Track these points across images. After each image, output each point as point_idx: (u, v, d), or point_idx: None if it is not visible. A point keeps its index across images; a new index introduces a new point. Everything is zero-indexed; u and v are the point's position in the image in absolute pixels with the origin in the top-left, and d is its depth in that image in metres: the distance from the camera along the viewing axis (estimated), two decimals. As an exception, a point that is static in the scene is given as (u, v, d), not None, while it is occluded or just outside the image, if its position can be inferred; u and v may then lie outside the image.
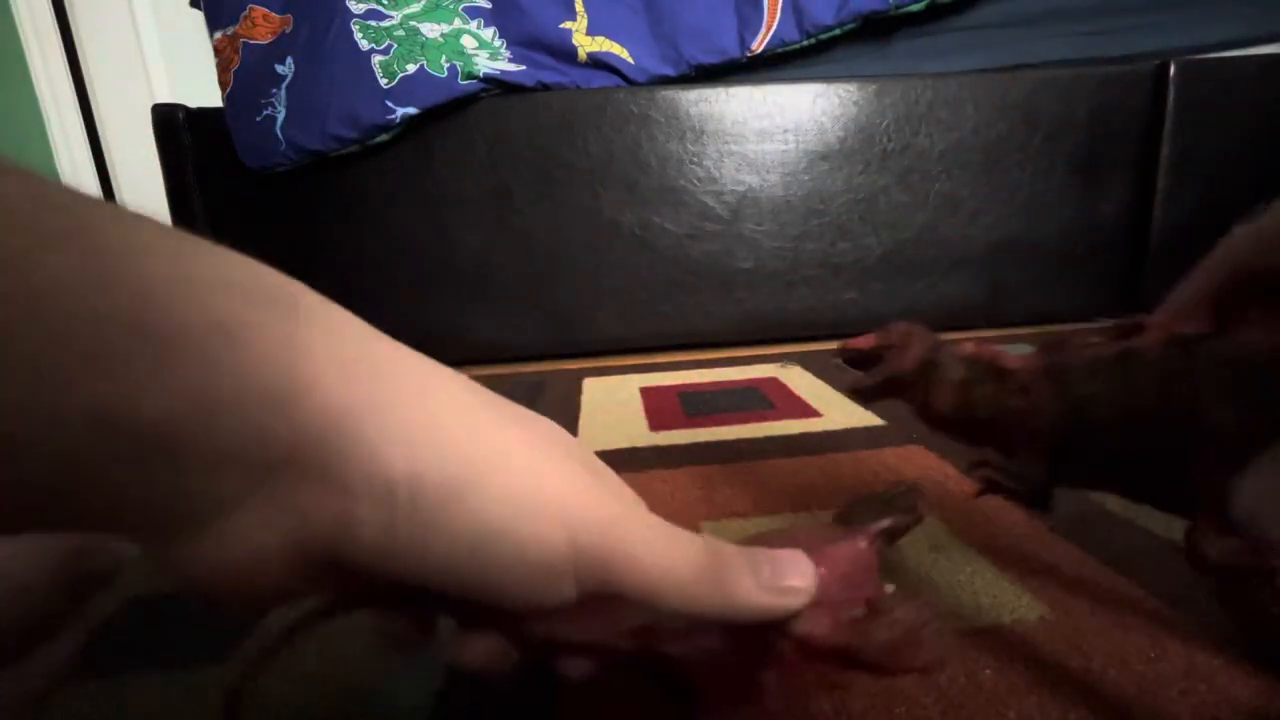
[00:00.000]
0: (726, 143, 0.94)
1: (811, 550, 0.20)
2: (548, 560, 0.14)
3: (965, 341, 0.32)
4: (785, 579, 0.17)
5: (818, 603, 0.18)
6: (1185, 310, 0.26)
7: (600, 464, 0.19)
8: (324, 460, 0.13)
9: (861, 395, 0.34)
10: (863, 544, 0.23)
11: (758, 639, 0.18)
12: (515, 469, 0.15)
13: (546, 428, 0.17)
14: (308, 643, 0.17)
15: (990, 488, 0.30)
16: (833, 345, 1.07)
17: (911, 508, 0.28)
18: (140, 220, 0.12)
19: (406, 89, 0.84)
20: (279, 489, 0.13)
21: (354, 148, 0.87)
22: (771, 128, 0.94)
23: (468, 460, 0.14)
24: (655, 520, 0.16)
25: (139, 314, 0.11)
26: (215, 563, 0.13)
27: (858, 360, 0.35)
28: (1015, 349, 0.31)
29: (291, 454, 0.13)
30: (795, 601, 0.17)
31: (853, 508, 0.29)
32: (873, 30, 0.94)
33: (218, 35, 0.89)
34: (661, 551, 0.15)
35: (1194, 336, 0.24)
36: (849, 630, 0.17)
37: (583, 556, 0.14)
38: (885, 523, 0.25)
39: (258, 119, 0.86)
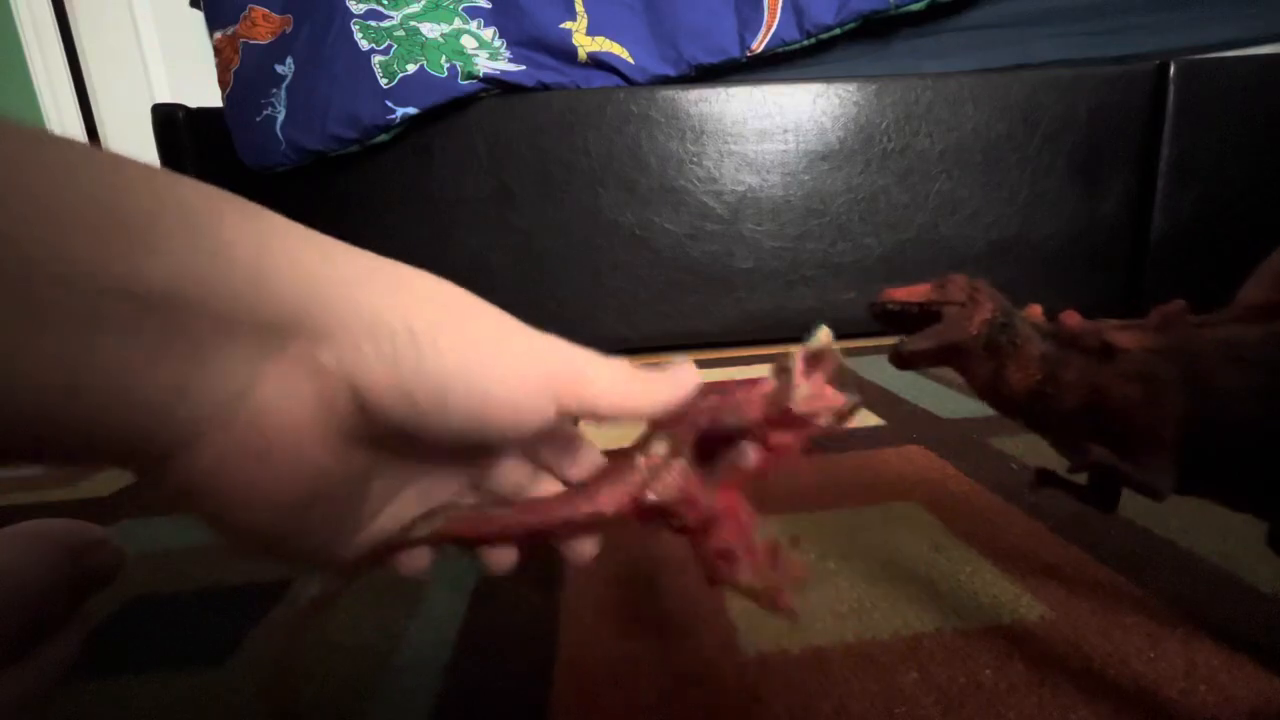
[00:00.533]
0: (726, 143, 0.94)
1: (746, 386, 0.23)
2: (531, 378, 0.17)
3: (1033, 307, 0.27)
4: (680, 377, 0.21)
5: (779, 374, 0.22)
6: None
7: None
8: (323, 317, 0.15)
9: (907, 361, 0.28)
10: (779, 379, 0.24)
11: (715, 463, 0.22)
12: (484, 313, 0.17)
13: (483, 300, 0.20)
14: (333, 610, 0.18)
15: (1046, 482, 0.26)
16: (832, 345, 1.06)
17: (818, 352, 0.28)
18: (104, 149, 0.14)
19: (406, 89, 0.84)
20: (296, 351, 0.14)
21: (354, 148, 0.87)
22: (771, 128, 0.94)
23: (445, 306, 0.17)
24: (593, 352, 0.20)
25: (118, 203, 0.13)
26: (268, 436, 0.14)
27: (898, 317, 0.29)
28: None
29: (291, 315, 0.14)
30: (691, 386, 0.21)
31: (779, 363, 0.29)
32: (873, 30, 0.94)
33: (218, 35, 0.89)
34: (607, 374, 0.19)
35: None
36: (777, 398, 0.21)
37: (554, 379, 0.18)
38: (798, 355, 0.25)
39: (258, 119, 0.86)
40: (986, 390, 0.27)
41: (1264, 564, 0.23)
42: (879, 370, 0.80)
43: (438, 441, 0.16)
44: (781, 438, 0.21)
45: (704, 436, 0.21)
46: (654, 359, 0.97)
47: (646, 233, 0.96)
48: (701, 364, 0.92)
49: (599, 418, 0.19)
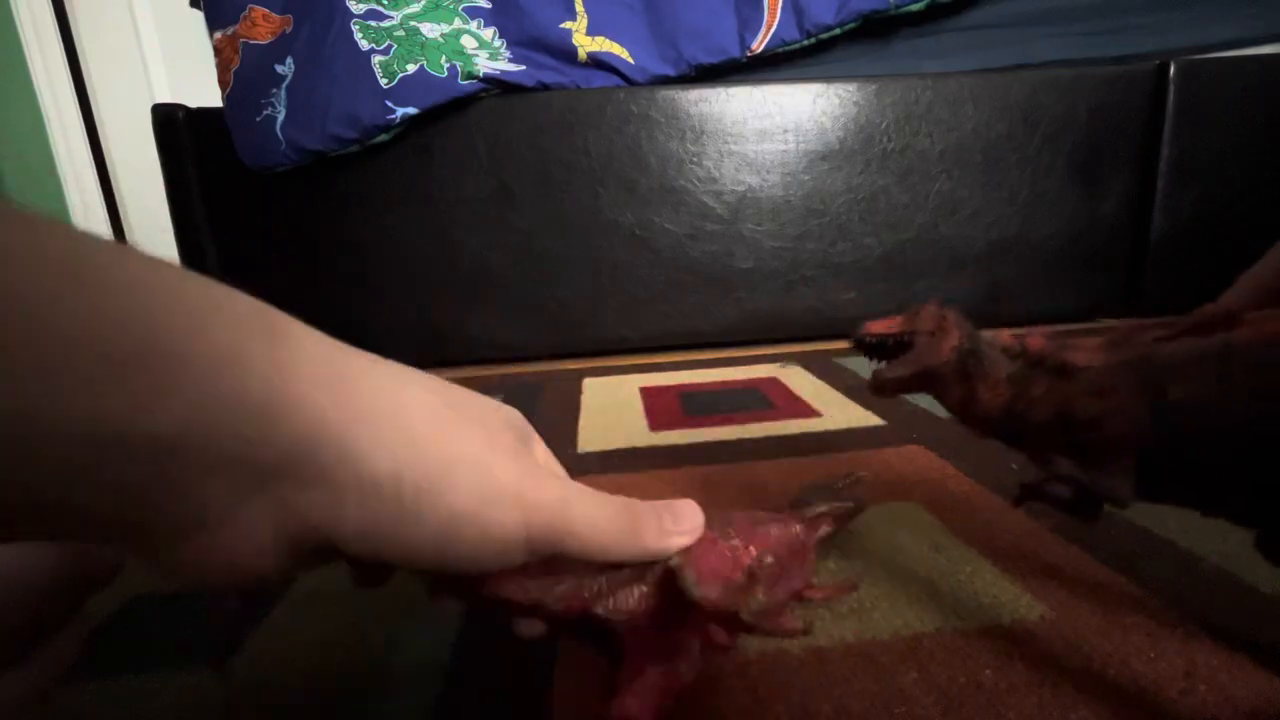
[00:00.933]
0: (726, 143, 0.94)
1: (748, 533, 0.23)
2: (507, 539, 0.17)
3: (1002, 330, 0.28)
4: (679, 524, 0.21)
5: (747, 577, 0.21)
6: (1265, 294, 0.23)
7: (533, 433, 0.23)
8: (318, 466, 0.15)
9: (884, 388, 0.30)
10: (797, 528, 0.25)
11: (672, 602, 0.21)
12: (478, 464, 0.17)
13: (498, 418, 0.20)
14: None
15: (1029, 495, 0.26)
16: (833, 345, 1.07)
17: (854, 496, 0.29)
18: (140, 256, 0.14)
19: (406, 89, 0.84)
20: (278, 492, 0.15)
21: (354, 148, 0.87)
22: (771, 128, 0.94)
23: (439, 459, 0.17)
24: (585, 491, 0.20)
25: (146, 341, 0.13)
26: (220, 559, 0.15)
27: (877, 347, 0.31)
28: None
29: (288, 461, 0.15)
30: (684, 540, 0.21)
31: (804, 494, 0.29)
32: (873, 30, 0.94)
33: (218, 35, 0.89)
34: (592, 519, 0.19)
35: None
36: (731, 596, 0.21)
37: (534, 532, 0.18)
38: (821, 508, 0.27)
39: (258, 119, 0.86)
40: (960, 411, 0.28)
41: (1264, 564, 0.23)
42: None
43: (402, 565, 0.17)
44: (719, 632, 0.22)
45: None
46: (654, 359, 0.97)
47: (646, 233, 0.96)
48: (701, 364, 0.93)
49: (578, 559, 0.19)
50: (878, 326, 0.30)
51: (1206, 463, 0.21)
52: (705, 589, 0.20)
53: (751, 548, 0.23)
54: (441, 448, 0.17)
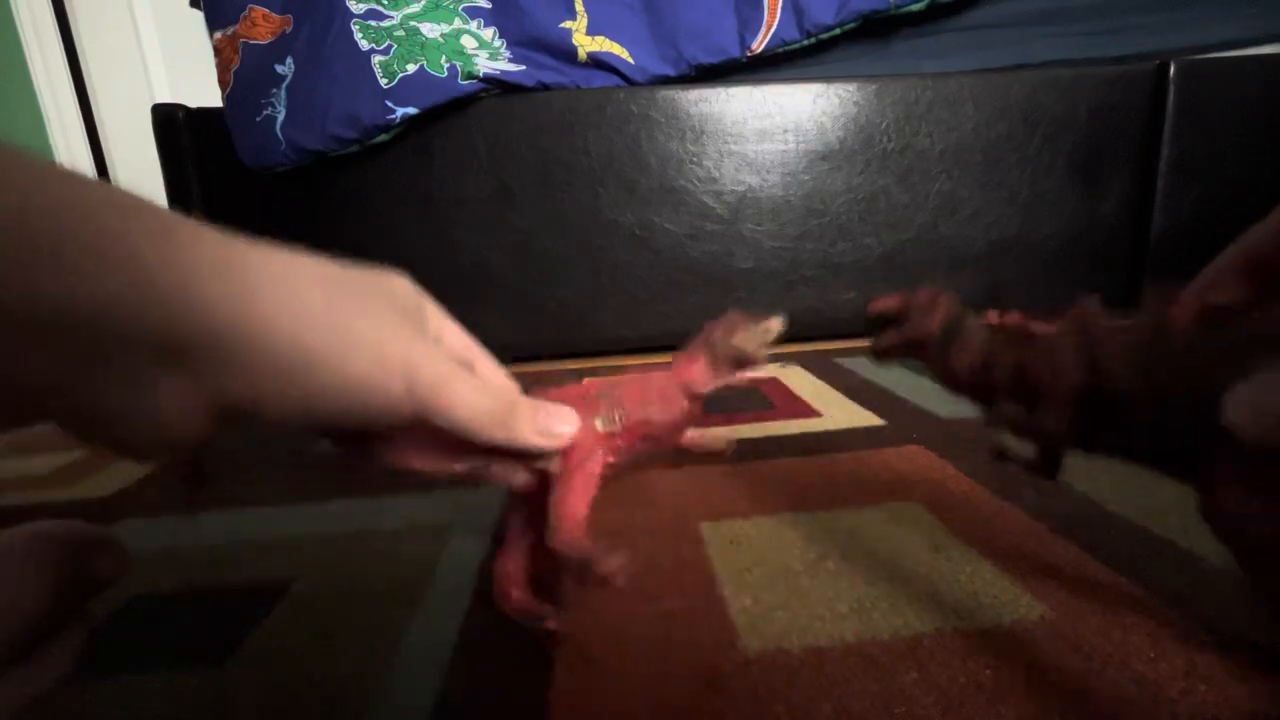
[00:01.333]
0: (726, 143, 0.94)
1: (636, 400, 0.32)
2: (392, 399, 0.20)
3: (990, 311, 0.33)
4: (552, 426, 0.25)
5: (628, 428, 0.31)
6: (1221, 282, 0.25)
7: (426, 304, 0.25)
8: (225, 342, 0.17)
9: (880, 354, 0.35)
10: (684, 401, 0.35)
11: (540, 491, 0.27)
12: (367, 335, 0.20)
13: (386, 294, 0.22)
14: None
15: (1001, 456, 0.32)
16: (833, 345, 1.07)
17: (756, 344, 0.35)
18: (48, 162, 0.16)
19: (406, 89, 0.84)
20: (195, 365, 0.17)
21: (354, 148, 0.87)
22: (771, 128, 0.94)
23: (331, 331, 0.19)
24: (471, 378, 0.22)
25: (51, 233, 0.14)
26: (155, 425, 0.17)
27: (880, 324, 0.36)
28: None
29: (197, 339, 0.17)
30: (556, 442, 0.25)
31: (718, 343, 0.37)
32: (873, 30, 0.94)
33: (218, 35, 0.89)
34: (469, 400, 0.22)
35: (1227, 311, 0.24)
36: (575, 549, 0.26)
37: (416, 398, 0.21)
38: (711, 377, 0.36)
39: (258, 119, 0.86)
40: (940, 373, 0.33)
41: (1264, 564, 0.24)
42: (880, 370, 0.80)
43: (311, 426, 0.20)
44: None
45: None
46: (653, 359, 0.97)
47: (646, 233, 0.96)
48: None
49: (452, 432, 0.22)
50: (881, 304, 0.36)
51: (1128, 416, 0.26)
52: (560, 541, 0.25)
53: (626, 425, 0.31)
54: (332, 320, 0.19)
